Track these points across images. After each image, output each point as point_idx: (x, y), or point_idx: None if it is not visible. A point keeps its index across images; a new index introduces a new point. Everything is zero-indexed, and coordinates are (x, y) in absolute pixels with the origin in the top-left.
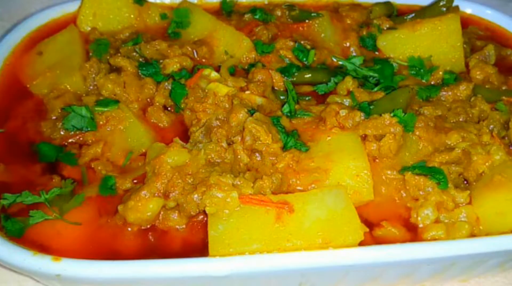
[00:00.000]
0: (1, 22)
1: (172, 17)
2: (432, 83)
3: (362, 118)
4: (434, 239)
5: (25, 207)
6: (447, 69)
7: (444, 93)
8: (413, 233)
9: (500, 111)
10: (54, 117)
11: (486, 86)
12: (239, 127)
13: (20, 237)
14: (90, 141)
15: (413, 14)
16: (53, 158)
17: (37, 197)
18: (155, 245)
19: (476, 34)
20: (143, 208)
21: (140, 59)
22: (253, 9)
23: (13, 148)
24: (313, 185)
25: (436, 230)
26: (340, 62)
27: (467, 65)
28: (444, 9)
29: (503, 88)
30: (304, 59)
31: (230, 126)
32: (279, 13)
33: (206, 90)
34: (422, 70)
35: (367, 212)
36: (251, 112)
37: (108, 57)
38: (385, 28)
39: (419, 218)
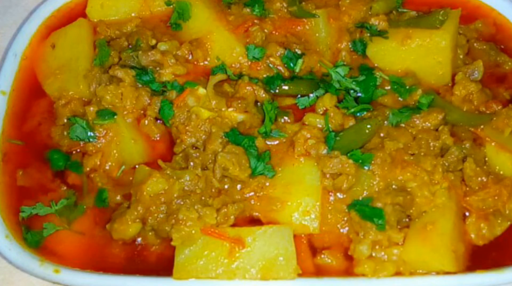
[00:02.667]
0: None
1: (175, 7)
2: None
3: (325, 152)
4: (362, 274)
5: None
6: (426, 90)
7: (414, 119)
8: (350, 263)
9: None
10: (62, 124)
11: (464, 107)
12: (214, 156)
13: (38, 247)
14: (90, 152)
15: (413, 12)
16: (62, 166)
17: (49, 208)
18: (136, 257)
19: (478, 33)
20: (124, 231)
21: (138, 66)
22: (252, 1)
23: (30, 150)
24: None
25: (364, 267)
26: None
27: (455, 75)
28: (440, 20)
29: (482, 108)
30: (293, 66)
31: (206, 154)
32: (278, 4)
33: (190, 112)
34: (402, 89)
35: (313, 239)
36: (229, 135)
37: (110, 64)
38: (378, 30)
39: (355, 253)
